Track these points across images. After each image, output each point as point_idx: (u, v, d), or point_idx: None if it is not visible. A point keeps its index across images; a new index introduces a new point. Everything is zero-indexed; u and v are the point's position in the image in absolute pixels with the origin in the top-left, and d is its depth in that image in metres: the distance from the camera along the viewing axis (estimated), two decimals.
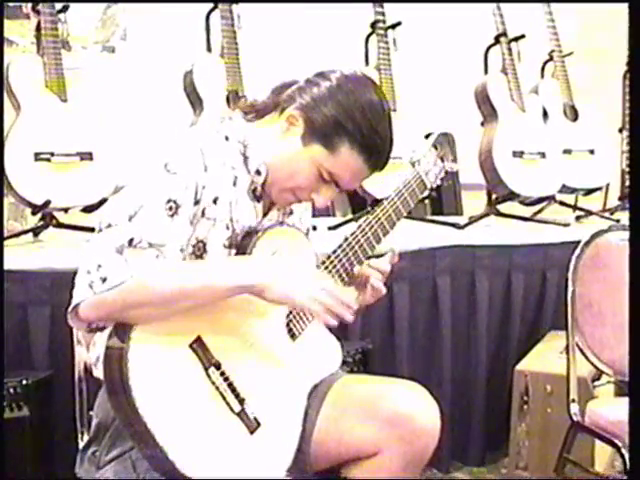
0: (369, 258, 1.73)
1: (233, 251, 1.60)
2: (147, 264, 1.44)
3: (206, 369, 1.49)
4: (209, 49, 3.18)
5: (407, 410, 1.61)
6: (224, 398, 1.51)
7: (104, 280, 1.42)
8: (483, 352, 2.98)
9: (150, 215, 1.47)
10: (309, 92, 1.58)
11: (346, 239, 1.69)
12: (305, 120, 1.56)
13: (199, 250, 1.56)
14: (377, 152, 1.57)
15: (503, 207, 3.57)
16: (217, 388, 1.50)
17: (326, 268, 1.64)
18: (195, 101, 3.10)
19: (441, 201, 4.13)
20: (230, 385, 1.52)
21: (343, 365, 1.82)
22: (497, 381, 2.98)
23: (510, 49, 3.59)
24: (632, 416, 1.51)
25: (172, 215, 1.49)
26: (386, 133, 1.58)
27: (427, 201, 3.91)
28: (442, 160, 1.89)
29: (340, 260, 1.67)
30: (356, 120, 1.54)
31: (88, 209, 2.82)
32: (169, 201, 1.49)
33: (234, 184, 1.60)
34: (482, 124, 3.56)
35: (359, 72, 1.61)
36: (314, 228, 1.95)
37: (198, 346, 1.49)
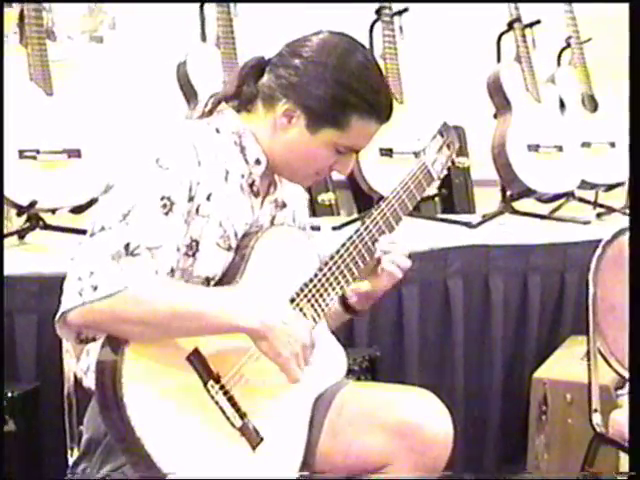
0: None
1: (230, 254, 1.60)
2: (144, 274, 1.44)
3: (205, 383, 1.49)
4: (204, 39, 3.18)
5: (417, 418, 1.61)
6: (224, 413, 1.50)
7: (95, 288, 1.41)
8: (498, 359, 2.98)
9: (144, 214, 1.48)
10: (291, 78, 1.58)
11: (350, 238, 1.69)
12: (303, 111, 1.57)
13: (192, 249, 1.56)
14: (383, 106, 1.60)
15: (518, 204, 3.57)
16: (217, 402, 1.50)
17: (330, 269, 1.64)
18: (190, 94, 3.10)
19: (452, 199, 4.12)
20: (230, 399, 1.51)
21: (349, 373, 1.83)
22: (513, 389, 2.98)
23: (524, 36, 3.60)
24: (632, 416, 1.53)
25: (167, 213, 1.50)
26: (382, 82, 1.62)
27: (437, 199, 3.90)
28: (449, 148, 1.88)
29: (344, 260, 1.66)
30: (355, 89, 1.56)
31: (77, 210, 2.82)
32: (163, 198, 1.49)
33: (225, 179, 1.60)
34: (495, 116, 3.56)
35: (330, 34, 1.62)
36: (317, 228, 1.95)
37: (195, 358, 1.49)
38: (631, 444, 1.55)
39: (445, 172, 1.88)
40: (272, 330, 1.49)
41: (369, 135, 1.63)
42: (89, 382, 1.57)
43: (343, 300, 1.79)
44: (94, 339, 1.51)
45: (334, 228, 3.19)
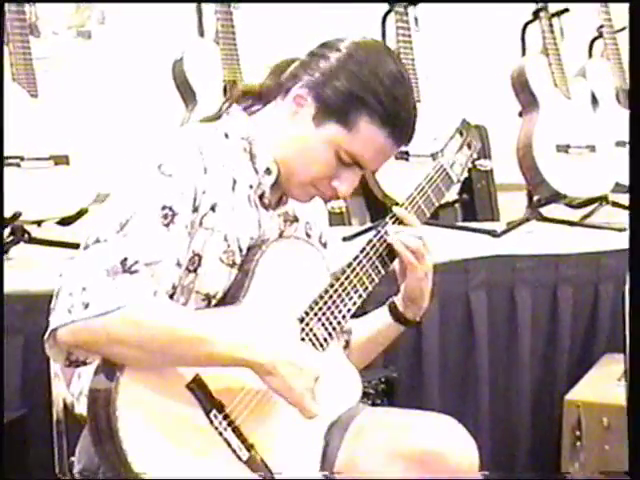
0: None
1: (234, 271, 1.61)
2: (141, 294, 1.45)
3: (207, 413, 1.50)
4: (201, 34, 3.21)
5: (439, 447, 1.61)
6: (229, 445, 1.51)
7: (86, 306, 1.41)
8: (527, 380, 2.98)
9: (143, 225, 1.49)
10: (316, 67, 1.60)
11: (363, 249, 1.70)
12: (315, 98, 1.59)
13: (193, 264, 1.57)
14: (400, 122, 1.60)
15: (547, 210, 3.58)
16: (220, 434, 1.50)
17: (341, 284, 1.65)
18: (187, 94, 3.12)
19: (474, 205, 4.13)
20: (235, 430, 1.52)
21: (363, 397, 1.83)
22: (544, 414, 2.98)
23: (552, 25, 3.61)
24: (631, 416, 1.57)
25: (168, 224, 1.51)
26: (408, 100, 1.60)
27: (457, 205, 3.91)
28: (469, 148, 1.88)
29: (357, 274, 1.67)
30: (373, 90, 1.57)
31: (65, 221, 2.83)
32: (164, 208, 1.50)
33: (232, 189, 1.61)
34: (520, 114, 3.58)
35: (370, 38, 1.64)
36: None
37: (197, 386, 1.49)
38: (631, 443, 1.59)
39: (465, 174, 1.88)
40: (281, 365, 1.49)
41: (377, 148, 1.60)
42: (81, 408, 1.58)
43: (393, 309, 1.80)
44: (85, 362, 1.51)
45: (345, 239, 3.20)
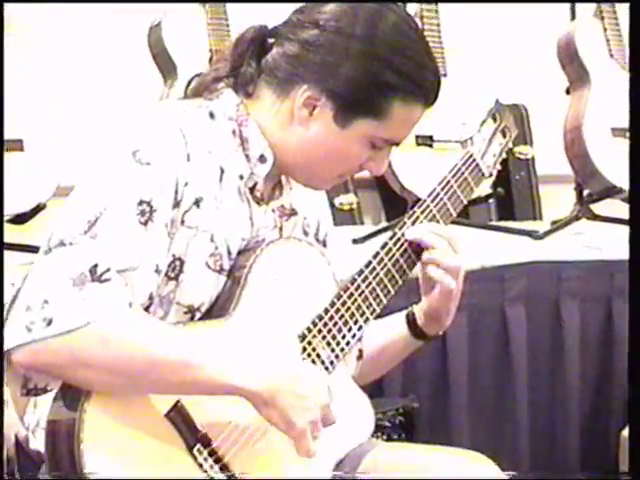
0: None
1: (222, 277, 1.61)
2: (114, 306, 1.45)
3: (190, 448, 1.50)
4: None
5: None
6: None
7: (49, 322, 1.42)
8: (575, 410, 2.98)
9: (116, 223, 1.49)
10: (309, 55, 1.59)
11: (376, 254, 1.70)
12: (329, 97, 1.59)
13: (174, 271, 1.57)
14: (431, 86, 1.63)
15: (598, 207, 3.58)
16: (206, 471, 1.51)
17: (350, 296, 1.66)
18: (166, 67, 3.13)
19: (511, 201, 4.13)
20: (224, 468, 1.53)
21: (377, 431, 1.84)
22: (596, 450, 2.98)
23: None
24: (632, 415, 1.60)
25: (145, 222, 1.51)
26: (426, 51, 1.63)
27: (492, 201, 3.91)
28: (504, 135, 1.89)
29: (369, 284, 1.68)
30: (393, 65, 1.58)
31: (19, 219, 2.84)
32: (141, 203, 1.51)
33: (220, 180, 1.61)
34: (567, 92, 3.58)
35: None
36: None
37: (177, 415, 1.50)
38: (631, 443, 1.64)
39: (499, 167, 1.88)
40: (281, 394, 1.49)
41: (413, 121, 1.64)
42: (37, 443, 1.58)
43: (412, 321, 1.81)
44: (45, 390, 1.52)
45: (355, 241, 3.21)
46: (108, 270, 1.46)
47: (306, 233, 1.78)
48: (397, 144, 1.67)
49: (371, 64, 1.58)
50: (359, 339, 1.70)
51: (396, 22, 1.61)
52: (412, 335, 1.81)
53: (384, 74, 1.58)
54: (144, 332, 1.48)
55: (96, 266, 1.46)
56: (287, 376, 1.52)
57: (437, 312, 1.76)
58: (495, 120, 1.88)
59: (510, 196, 4.09)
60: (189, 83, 1.72)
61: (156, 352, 1.46)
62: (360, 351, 1.82)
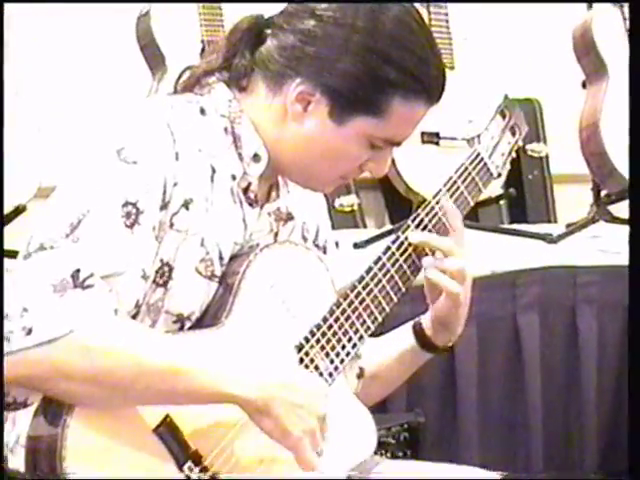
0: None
1: (213, 284, 1.61)
2: (97, 313, 1.45)
3: (180, 465, 1.50)
4: None
5: None
6: None
7: (29, 331, 1.41)
8: (592, 428, 2.98)
9: (99, 227, 1.49)
10: (305, 47, 1.59)
11: (378, 259, 1.70)
12: (325, 92, 1.59)
13: (162, 277, 1.58)
14: (435, 81, 1.62)
15: (617, 209, 3.57)
16: None
17: (351, 304, 1.65)
18: (154, 59, 3.14)
19: (524, 201, 4.13)
20: None
21: (380, 448, 1.84)
22: (616, 471, 2.98)
23: None
24: (632, 415, 1.64)
25: (131, 225, 1.51)
26: (430, 45, 1.63)
27: (502, 202, 3.91)
28: (513, 133, 1.89)
29: (371, 292, 1.68)
30: (394, 60, 1.58)
31: None
32: (126, 204, 1.51)
33: (211, 180, 1.61)
34: (584, 85, 3.58)
35: None
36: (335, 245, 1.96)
37: (166, 430, 1.49)
38: (631, 443, 1.67)
39: (508, 167, 1.89)
40: (276, 402, 1.49)
41: (415, 120, 1.64)
42: (17, 462, 1.57)
43: (419, 332, 1.80)
44: (25, 404, 1.51)
45: (357, 245, 3.21)
46: (91, 275, 1.46)
47: (305, 239, 1.78)
48: (398, 144, 1.66)
49: (369, 58, 1.58)
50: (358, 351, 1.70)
51: (398, 14, 1.61)
52: (421, 347, 1.80)
53: (383, 69, 1.58)
54: (130, 339, 1.48)
55: (78, 271, 1.45)
56: (282, 384, 1.52)
57: (445, 320, 1.76)
58: (504, 117, 1.88)
59: (522, 197, 4.09)
60: (180, 77, 1.72)
61: (144, 360, 1.46)
62: (361, 369, 1.82)
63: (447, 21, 3.36)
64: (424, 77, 1.60)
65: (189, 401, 1.50)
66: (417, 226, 1.73)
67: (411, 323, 1.82)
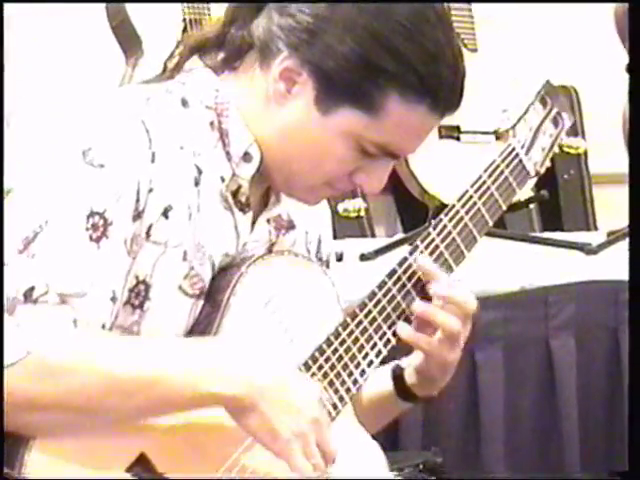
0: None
1: (200, 303, 1.63)
2: (53, 327, 1.47)
3: None
4: None
5: None
6: None
7: None
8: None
9: (60, 241, 1.51)
10: (304, 21, 1.61)
11: (392, 273, 1.71)
12: (313, 72, 1.60)
13: (138, 297, 1.59)
14: (443, 86, 1.61)
15: None
16: None
17: (359, 324, 1.67)
18: (128, 41, 3.15)
19: (558, 205, 4.14)
20: None
21: None
22: None
23: None
24: (632, 416, 1.68)
25: (97, 239, 1.52)
26: (450, 51, 1.61)
27: (534, 206, 3.93)
28: (556, 124, 1.88)
29: (383, 310, 1.69)
30: (397, 50, 1.58)
31: None
32: (92, 215, 1.52)
33: (195, 184, 1.62)
34: (628, 70, 3.60)
35: None
36: (339, 258, 1.97)
37: (142, 470, 1.52)
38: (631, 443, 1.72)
39: (547, 164, 1.87)
40: (265, 400, 1.51)
41: (415, 128, 1.62)
42: None
43: (398, 377, 1.79)
44: None
45: (364, 257, 3.22)
46: (46, 292, 1.48)
47: (308, 251, 1.79)
48: (394, 156, 1.66)
49: (370, 42, 1.58)
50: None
51: (413, 3, 1.61)
52: (397, 395, 1.79)
53: (382, 57, 1.58)
54: (94, 352, 1.49)
55: (32, 289, 1.48)
56: (271, 381, 1.53)
57: (433, 370, 1.74)
58: (544, 105, 1.86)
59: (556, 200, 4.09)
60: (174, 50, 1.72)
61: (112, 372, 1.48)
62: None
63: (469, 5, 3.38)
64: (430, 77, 1.59)
65: (167, 410, 1.52)
66: (439, 234, 1.72)
67: (390, 366, 1.79)
